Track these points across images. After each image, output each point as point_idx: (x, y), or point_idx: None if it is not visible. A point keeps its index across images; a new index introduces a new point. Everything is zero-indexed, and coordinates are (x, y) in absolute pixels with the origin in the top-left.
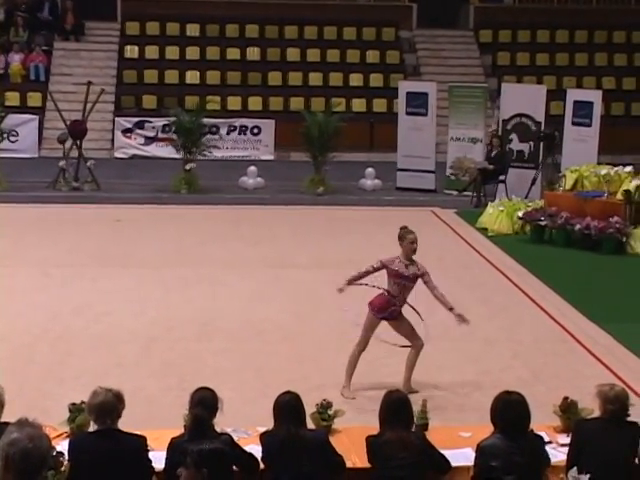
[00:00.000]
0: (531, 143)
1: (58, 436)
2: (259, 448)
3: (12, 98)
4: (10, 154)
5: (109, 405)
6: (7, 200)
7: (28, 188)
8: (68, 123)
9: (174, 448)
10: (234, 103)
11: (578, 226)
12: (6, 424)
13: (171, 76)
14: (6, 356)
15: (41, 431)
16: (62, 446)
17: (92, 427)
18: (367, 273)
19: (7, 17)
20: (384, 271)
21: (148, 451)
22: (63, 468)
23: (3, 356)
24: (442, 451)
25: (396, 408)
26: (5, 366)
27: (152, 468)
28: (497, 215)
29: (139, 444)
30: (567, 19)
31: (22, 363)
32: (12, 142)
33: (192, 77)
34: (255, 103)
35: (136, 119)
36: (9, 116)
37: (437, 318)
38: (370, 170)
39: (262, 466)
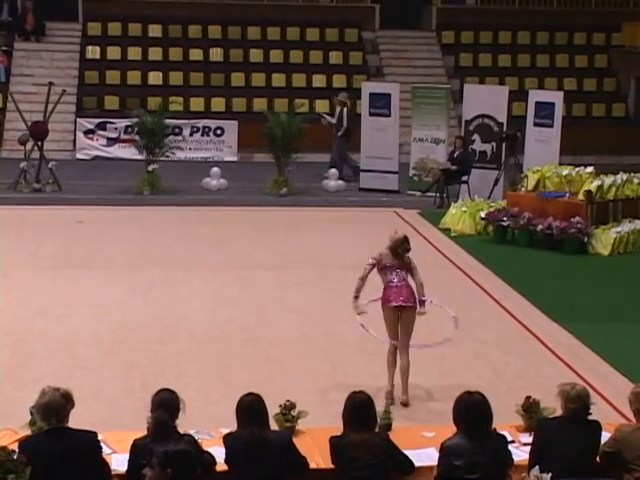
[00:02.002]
0: (493, 144)
1: (19, 439)
2: (222, 450)
3: None
4: None
5: (56, 404)
6: None
7: None
8: (29, 124)
9: (137, 449)
10: (197, 104)
11: (540, 226)
12: None
13: (133, 77)
14: None
15: None
16: None
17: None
18: (365, 276)
19: None
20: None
21: (101, 447)
22: (24, 471)
23: None
24: (405, 451)
25: (360, 409)
26: None
27: (106, 464)
28: (460, 215)
29: (90, 439)
30: (529, 21)
31: None
32: None
33: (154, 78)
34: (218, 104)
35: (98, 120)
36: None
37: None
38: (333, 171)
39: (225, 467)
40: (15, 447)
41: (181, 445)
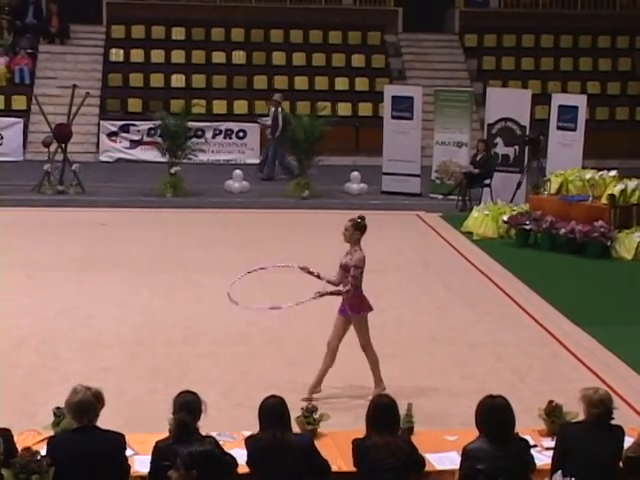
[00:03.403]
0: (516, 147)
1: (42, 440)
2: (244, 452)
3: None
4: None
5: (87, 404)
6: None
7: (13, 191)
8: (53, 126)
9: (159, 451)
10: (220, 107)
11: (563, 230)
12: None
13: (156, 79)
14: None
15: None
16: (46, 450)
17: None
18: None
19: None
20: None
21: (125, 449)
22: (47, 472)
23: None
24: (427, 454)
25: (384, 413)
26: None
27: (129, 466)
28: (482, 219)
29: (117, 442)
30: (552, 24)
31: (7, 367)
32: None
33: (178, 81)
34: (241, 107)
35: (121, 122)
36: None
37: (422, 321)
38: (355, 174)
39: (247, 470)
40: (38, 448)
41: (205, 446)
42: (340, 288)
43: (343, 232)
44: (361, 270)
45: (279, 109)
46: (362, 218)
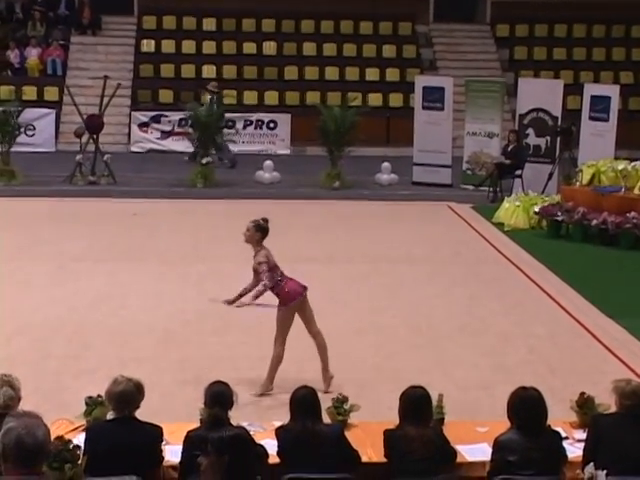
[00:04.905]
0: (548, 138)
1: (75, 429)
2: (274, 442)
3: (29, 92)
4: (27, 148)
5: (129, 394)
6: (24, 194)
7: (45, 182)
8: (85, 117)
9: (191, 441)
10: (250, 97)
11: (595, 221)
12: None
13: (187, 70)
14: (23, 350)
15: (38, 420)
16: (79, 439)
17: (109, 417)
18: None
19: (24, 12)
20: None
21: (162, 441)
22: (80, 461)
23: (20, 350)
24: (458, 446)
25: (416, 404)
26: (22, 360)
27: (162, 458)
28: (513, 210)
29: (155, 434)
30: (585, 13)
31: (39, 357)
32: (29, 136)
33: (208, 71)
34: (271, 97)
35: (152, 113)
36: (26, 110)
37: (453, 312)
38: (386, 165)
39: (277, 460)
40: (71, 437)
41: (235, 431)
42: (259, 288)
43: (244, 232)
44: (267, 266)
45: (214, 97)
46: (265, 220)
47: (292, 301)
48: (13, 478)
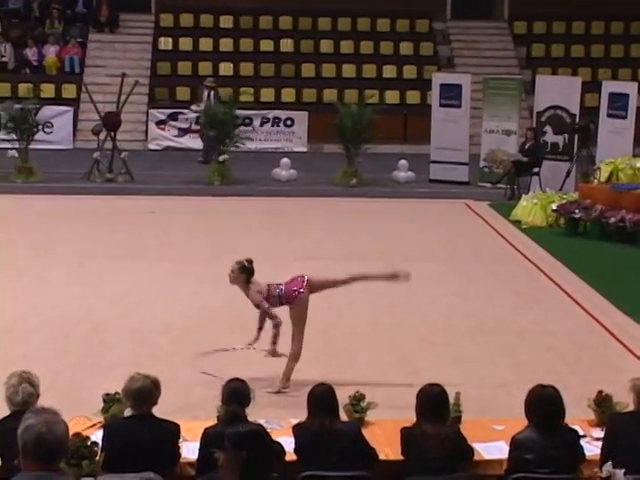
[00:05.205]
0: (565, 135)
1: (92, 426)
2: (292, 440)
3: (47, 90)
4: (45, 145)
5: (147, 391)
6: (42, 191)
7: (62, 179)
8: (102, 115)
9: (208, 438)
10: (267, 95)
11: (613, 219)
12: None
13: (205, 68)
14: (41, 347)
15: (57, 417)
16: (96, 436)
17: (127, 414)
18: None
19: (42, 10)
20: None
21: (180, 439)
22: (97, 457)
23: (38, 347)
24: (475, 444)
25: (433, 402)
26: (40, 357)
27: (180, 455)
28: (531, 208)
29: (172, 431)
30: (603, 10)
31: (56, 354)
32: (47, 133)
33: (226, 69)
34: (288, 95)
35: (170, 111)
36: (44, 108)
37: (470, 310)
38: (403, 162)
39: (295, 457)
40: (88, 433)
41: (252, 426)
42: (275, 331)
43: (229, 274)
44: (266, 302)
45: (212, 92)
46: (249, 261)
47: (299, 294)
48: (33, 474)
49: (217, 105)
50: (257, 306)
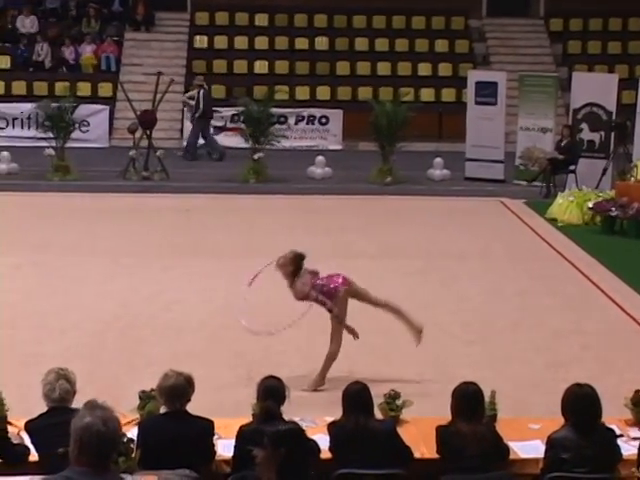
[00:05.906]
0: (602, 133)
1: (128, 423)
2: (326, 438)
3: (83, 88)
4: (81, 144)
5: (180, 388)
6: (78, 189)
7: (98, 177)
8: (138, 113)
9: (243, 436)
10: (302, 93)
11: None
12: (78, 410)
13: (240, 66)
14: (77, 344)
15: (112, 414)
16: (132, 433)
17: (161, 411)
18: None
19: (79, 9)
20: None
21: (214, 435)
22: (133, 454)
23: (75, 344)
24: (511, 442)
25: (470, 400)
26: (76, 354)
27: (215, 452)
28: (567, 205)
29: (207, 428)
30: None
31: (93, 351)
32: (83, 132)
33: (261, 67)
34: (323, 93)
35: None
36: (80, 106)
37: (505, 308)
38: (438, 160)
39: (329, 455)
40: (125, 430)
41: (290, 425)
42: (332, 316)
43: (280, 257)
44: (308, 290)
45: (201, 91)
46: (302, 257)
47: (338, 290)
48: (86, 470)
49: (207, 101)
50: (303, 298)
